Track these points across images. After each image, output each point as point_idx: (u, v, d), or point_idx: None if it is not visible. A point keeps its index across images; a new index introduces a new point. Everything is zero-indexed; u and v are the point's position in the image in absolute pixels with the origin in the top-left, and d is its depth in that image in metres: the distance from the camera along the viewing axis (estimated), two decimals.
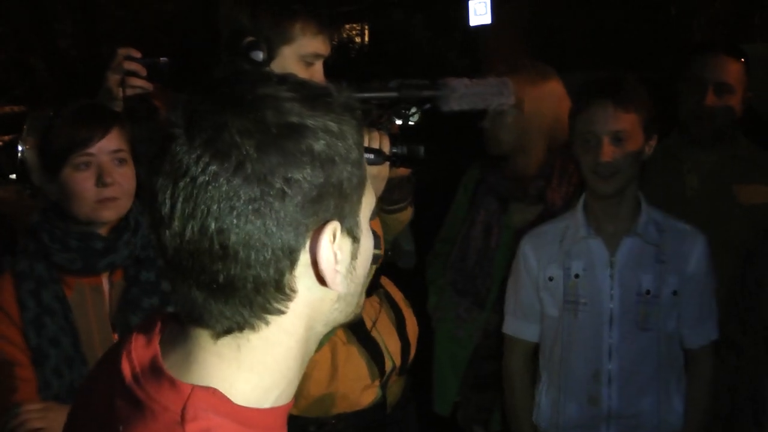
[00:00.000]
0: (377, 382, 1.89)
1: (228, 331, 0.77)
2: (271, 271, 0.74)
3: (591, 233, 1.98)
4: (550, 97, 2.36)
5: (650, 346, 1.95)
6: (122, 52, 1.86)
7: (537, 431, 2.11)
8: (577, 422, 2.00)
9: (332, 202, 0.76)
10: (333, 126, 0.76)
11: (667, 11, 10.15)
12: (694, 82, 2.37)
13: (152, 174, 0.75)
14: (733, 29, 9.25)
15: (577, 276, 1.99)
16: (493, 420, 2.45)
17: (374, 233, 0.88)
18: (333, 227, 0.77)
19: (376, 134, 1.55)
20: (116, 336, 1.71)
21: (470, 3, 8.47)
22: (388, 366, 1.90)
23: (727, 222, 2.30)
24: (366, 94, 1.57)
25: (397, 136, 1.57)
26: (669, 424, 1.98)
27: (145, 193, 0.78)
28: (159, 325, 0.84)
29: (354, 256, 0.82)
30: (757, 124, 2.84)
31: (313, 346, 0.84)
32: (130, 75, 1.85)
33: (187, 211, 0.72)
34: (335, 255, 0.77)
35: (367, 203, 0.83)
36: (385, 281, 2.01)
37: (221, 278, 0.74)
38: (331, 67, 1.82)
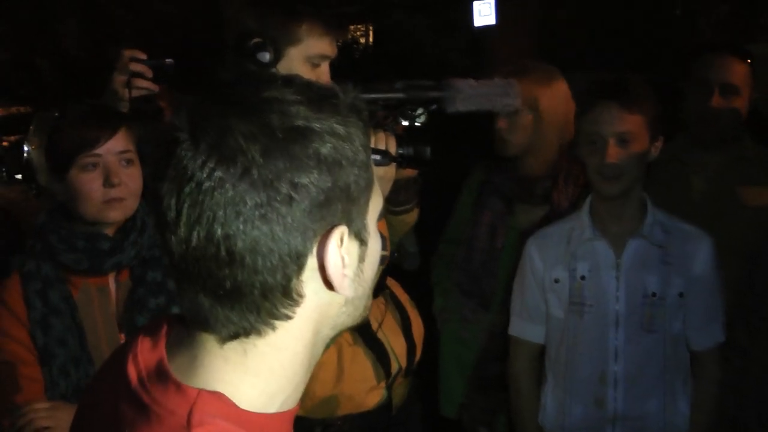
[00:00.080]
0: (383, 384, 1.89)
1: (234, 336, 0.76)
2: (279, 277, 0.73)
3: (597, 235, 1.97)
4: (562, 97, 2.36)
5: (656, 348, 1.94)
6: (128, 53, 1.86)
7: None
8: (583, 424, 2.00)
9: (340, 206, 0.75)
10: (340, 129, 0.75)
11: (672, 12, 10.13)
12: (700, 84, 2.36)
13: (157, 179, 0.74)
14: (739, 30, 9.23)
15: (582, 278, 1.98)
16: (498, 422, 2.44)
17: (380, 234, 0.87)
18: (341, 231, 0.76)
19: (382, 135, 1.54)
20: (123, 336, 1.72)
21: (474, 4, 8.46)
22: (394, 367, 1.90)
23: (733, 224, 2.28)
24: (372, 95, 1.56)
25: (403, 137, 1.57)
26: (675, 426, 1.97)
27: (150, 196, 0.77)
28: (165, 328, 0.83)
29: (362, 259, 0.81)
30: (763, 125, 2.83)
31: (320, 350, 0.83)
32: (136, 76, 1.85)
33: (192, 217, 0.72)
34: (343, 259, 0.76)
35: (375, 205, 0.82)
36: (390, 282, 2.01)
37: (228, 284, 0.73)
38: (335, 69, 1.82)
